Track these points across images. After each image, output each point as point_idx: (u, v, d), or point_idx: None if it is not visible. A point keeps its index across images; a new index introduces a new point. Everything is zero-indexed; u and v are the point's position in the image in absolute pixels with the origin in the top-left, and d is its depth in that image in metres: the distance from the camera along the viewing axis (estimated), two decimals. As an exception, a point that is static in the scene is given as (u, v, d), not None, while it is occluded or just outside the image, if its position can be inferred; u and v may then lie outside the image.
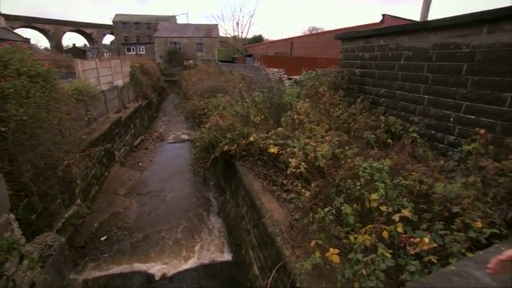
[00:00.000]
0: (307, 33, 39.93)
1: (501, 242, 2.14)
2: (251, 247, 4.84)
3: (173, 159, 11.01)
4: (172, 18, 50.58)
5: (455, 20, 4.45)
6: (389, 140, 4.37)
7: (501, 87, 3.88)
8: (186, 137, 13.73)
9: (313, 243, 2.57)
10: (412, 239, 2.46)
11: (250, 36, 43.01)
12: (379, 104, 5.84)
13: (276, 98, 5.74)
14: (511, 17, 3.69)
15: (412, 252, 2.41)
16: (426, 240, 2.36)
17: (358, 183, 2.72)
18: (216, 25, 42.29)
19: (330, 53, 15.65)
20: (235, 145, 4.96)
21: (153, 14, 52.92)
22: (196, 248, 5.73)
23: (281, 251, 3.12)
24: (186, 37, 39.93)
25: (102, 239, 5.88)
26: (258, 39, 41.52)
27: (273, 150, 3.99)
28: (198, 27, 42.41)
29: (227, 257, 5.53)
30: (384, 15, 16.23)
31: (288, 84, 8.07)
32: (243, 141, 4.77)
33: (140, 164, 10.32)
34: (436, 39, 4.78)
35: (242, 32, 40.48)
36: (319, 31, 29.69)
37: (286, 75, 10.92)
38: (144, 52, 42.82)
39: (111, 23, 49.70)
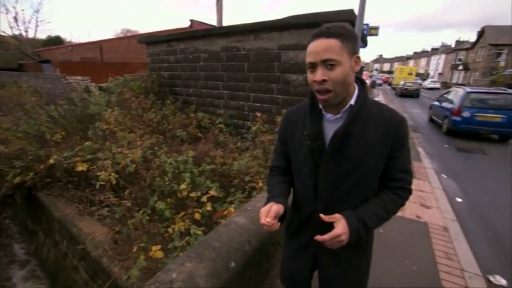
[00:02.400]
0: (121, 35, 36.80)
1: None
2: (84, 283, 4.19)
3: None
4: None
5: (233, 28, 5.44)
6: (199, 134, 4.91)
7: (269, 80, 5.15)
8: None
9: (135, 248, 2.57)
10: (223, 213, 2.95)
11: (43, 36, 34.79)
12: (190, 102, 6.37)
13: (78, 109, 5.06)
14: (264, 29, 4.95)
15: (224, 223, 2.89)
16: (232, 209, 2.88)
17: (167, 179, 2.94)
18: (-20, 19, 31.13)
19: (144, 57, 15.27)
20: (32, 173, 4.03)
21: None
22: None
23: (109, 270, 2.91)
24: None
25: None
26: (56, 41, 34.13)
27: (82, 167, 3.56)
28: None
29: (55, 310, 4.52)
30: (192, 21, 17.47)
31: (97, 93, 7.31)
32: (42, 166, 3.94)
33: None
34: (223, 43, 5.67)
35: (27, 31, 31.98)
36: (134, 34, 27.85)
37: (93, 84, 9.77)
38: None
39: None
